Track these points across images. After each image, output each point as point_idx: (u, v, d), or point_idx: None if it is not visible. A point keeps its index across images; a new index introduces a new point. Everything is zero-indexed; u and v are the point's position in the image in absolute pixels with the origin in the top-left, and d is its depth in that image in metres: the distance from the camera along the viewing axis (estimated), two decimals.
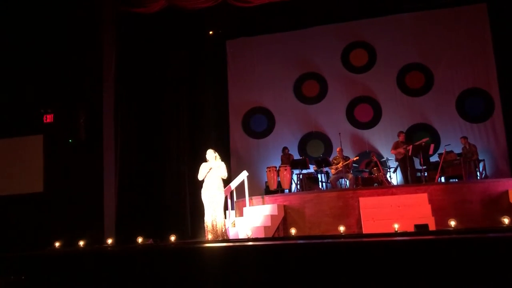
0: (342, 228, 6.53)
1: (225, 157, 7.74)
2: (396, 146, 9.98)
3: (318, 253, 4.40)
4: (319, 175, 10.88)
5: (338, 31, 11.98)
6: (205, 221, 7.44)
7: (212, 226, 7.29)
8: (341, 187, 10.17)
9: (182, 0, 9.31)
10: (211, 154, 7.52)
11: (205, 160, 7.57)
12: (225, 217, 7.83)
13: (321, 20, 11.74)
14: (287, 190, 10.52)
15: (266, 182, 10.96)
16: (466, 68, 11.17)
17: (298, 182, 10.80)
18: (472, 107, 11.06)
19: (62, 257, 5.60)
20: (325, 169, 10.61)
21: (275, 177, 10.55)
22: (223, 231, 7.37)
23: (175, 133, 10.49)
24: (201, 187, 7.54)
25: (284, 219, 8.79)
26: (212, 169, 7.41)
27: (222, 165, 7.54)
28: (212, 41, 11.97)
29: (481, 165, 9.95)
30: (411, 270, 3.96)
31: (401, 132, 10.17)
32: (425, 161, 9.77)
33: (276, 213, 8.64)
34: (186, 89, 10.87)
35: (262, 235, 7.88)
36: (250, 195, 9.16)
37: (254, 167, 11.51)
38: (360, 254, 4.24)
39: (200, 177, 7.46)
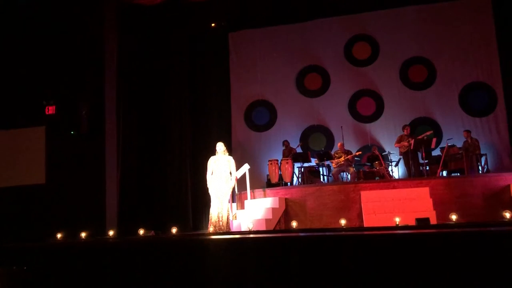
0: (343, 222, 6.53)
1: (227, 150, 7.76)
2: (400, 140, 9.96)
3: (319, 246, 4.40)
4: (320, 169, 10.87)
5: (341, 24, 11.90)
6: (210, 213, 7.46)
7: (218, 218, 7.32)
8: (342, 180, 10.17)
9: None
10: (221, 146, 7.53)
11: (207, 153, 7.58)
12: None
13: (324, 12, 11.67)
14: (289, 183, 10.53)
15: (267, 175, 10.96)
16: (469, 61, 11.09)
17: (300, 175, 10.80)
18: (475, 101, 10.99)
19: (64, 248, 5.62)
20: (326, 162, 10.60)
21: (276, 170, 10.56)
22: (228, 223, 7.41)
23: (177, 125, 10.49)
24: (205, 179, 7.56)
25: (286, 212, 8.82)
26: (220, 162, 7.42)
27: (232, 160, 7.55)
28: (214, 33, 11.92)
29: (483, 159, 9.94)
30: (412, 263, 3.96)
31: (406, 125, 10.14)
32: (427, 155, 9.76)
33: (277, 206, 8.66)
34: (188, 82, 10.85)
35: (263, 228, 7.91)
36: (252, 188, 9.18)
37: (256, 160, 11.49)
38: (361, 247, 4.24)
39: (208, 174, 7.46)
